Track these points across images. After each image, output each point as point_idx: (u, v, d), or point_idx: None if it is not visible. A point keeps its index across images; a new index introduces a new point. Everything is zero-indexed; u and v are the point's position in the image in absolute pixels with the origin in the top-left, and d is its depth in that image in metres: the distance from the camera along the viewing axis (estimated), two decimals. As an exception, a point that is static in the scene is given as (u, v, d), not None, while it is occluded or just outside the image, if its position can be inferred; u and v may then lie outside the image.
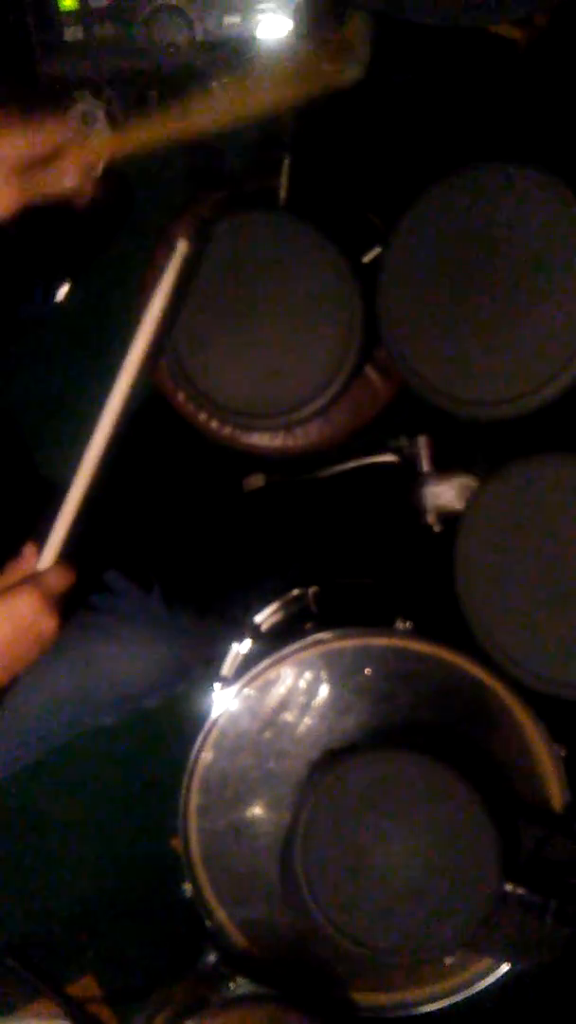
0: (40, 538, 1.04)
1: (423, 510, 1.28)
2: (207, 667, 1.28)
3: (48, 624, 0.99)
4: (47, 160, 0.97)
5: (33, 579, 1.00)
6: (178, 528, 1.65)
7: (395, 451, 1.34)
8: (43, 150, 0.96)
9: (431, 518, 1.27)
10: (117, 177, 1.56)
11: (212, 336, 1.13)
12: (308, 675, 1.21)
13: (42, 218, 0.99)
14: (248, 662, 1.28)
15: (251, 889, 1.26)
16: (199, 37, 1.17)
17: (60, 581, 1.01)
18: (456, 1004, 1.25)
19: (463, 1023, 1.30)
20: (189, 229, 1.15)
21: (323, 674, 1.21)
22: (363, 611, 1.31)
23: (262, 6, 1.16)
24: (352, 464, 1.38)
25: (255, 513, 1.60)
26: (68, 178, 1.00)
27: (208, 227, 1.10)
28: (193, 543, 1.63)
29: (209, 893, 1.26)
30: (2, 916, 1.76)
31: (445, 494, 1.27)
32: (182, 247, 1.00)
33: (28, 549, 1.04)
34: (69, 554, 1.03)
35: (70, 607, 1.05)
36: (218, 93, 1.12)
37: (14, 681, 1.08)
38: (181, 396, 1.20)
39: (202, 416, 1.21)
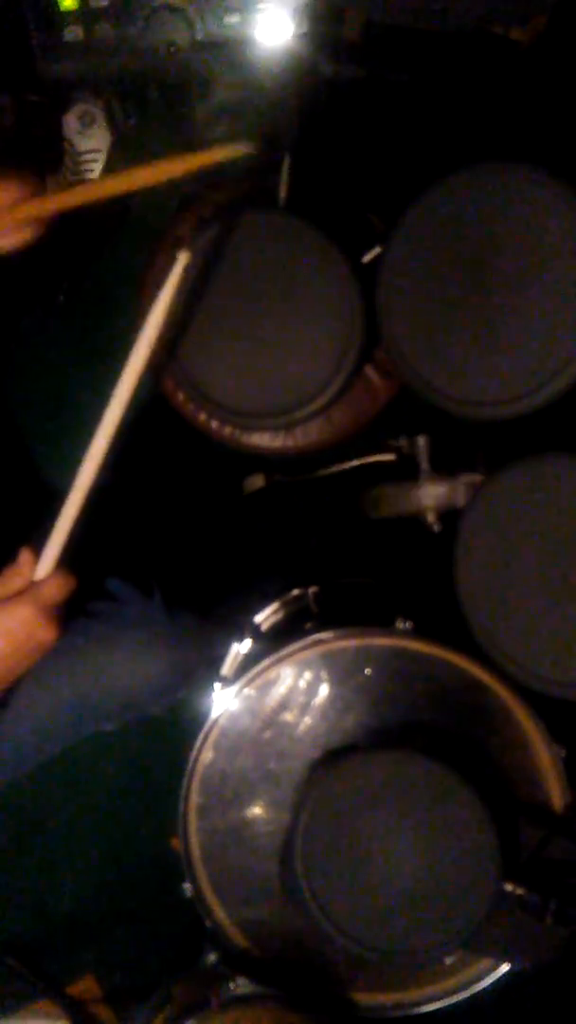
0: (37, 543, 1.03)
1: (423, 510, 1.28)
2: (209, 671, 1.28)
3: (45, 635, 0.97)
4: None
5: (31, 589, 0.99)
6: (178, 531, 1.65)
7: (395, 451, 1.34)
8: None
9: (431, 518, 1.27)
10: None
11: (212, 336, 1.13)
12: (308, 675, 1.21)
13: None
14: (248, 662, 1.28)
15: (251, 889, 1.26)
16: (199, 37, 1.17)
17: (58, 591, 0.99)
18: (456, 1004, 1.25)
19: (463, 1023, 1.30)
20: (190, 231, 1.15)
21: (323, 674, 1.21)
22: (363, 611, 1.31)
23: (262, 6, 1.16)
24: (352, 464, 1.38)
25: (255, 514, 1.59)
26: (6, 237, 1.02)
27: (209, 228, 1.10)
28: (193, 546, 1.63)
29: (209, 893, 1.26)
30: (2, 916, 1.75)
31: (445, 494, 1.27)
32: (183, 258, 1.00)
33: (24, 556, 1.02)
34: (68, 561, 1.02)
35: (70, 614, 1.04)
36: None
37: (9, 690, 1.08)
38: (181, 396, 1.20)
39: (202, 416, 1.21)
